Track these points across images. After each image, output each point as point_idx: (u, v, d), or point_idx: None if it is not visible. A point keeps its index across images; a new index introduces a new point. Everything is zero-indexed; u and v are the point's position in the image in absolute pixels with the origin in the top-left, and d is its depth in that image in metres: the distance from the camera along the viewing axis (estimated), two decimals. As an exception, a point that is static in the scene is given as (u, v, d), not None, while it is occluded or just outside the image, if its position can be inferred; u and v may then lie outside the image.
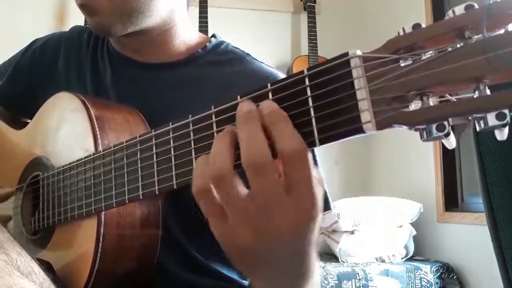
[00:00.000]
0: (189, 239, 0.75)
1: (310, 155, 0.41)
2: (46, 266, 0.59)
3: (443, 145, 0.35)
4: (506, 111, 0.31)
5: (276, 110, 0.41)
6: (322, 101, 0.38)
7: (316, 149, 0.69)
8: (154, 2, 0.72)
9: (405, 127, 0.35)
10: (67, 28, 0.94)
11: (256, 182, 0.41)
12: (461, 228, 2.31)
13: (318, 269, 0.50)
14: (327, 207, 0.71)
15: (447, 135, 0.33)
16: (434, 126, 0.33)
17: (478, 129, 0.33)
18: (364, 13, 3.09)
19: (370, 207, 2.33)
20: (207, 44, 0.81)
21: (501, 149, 0.74)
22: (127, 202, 0.57)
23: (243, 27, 2.85)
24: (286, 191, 0.41)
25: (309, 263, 0.46)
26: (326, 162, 2.72)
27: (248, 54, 0.81)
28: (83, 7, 0.71)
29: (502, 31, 0.32)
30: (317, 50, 2.84)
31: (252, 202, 0.41)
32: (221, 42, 0.83)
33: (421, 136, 0.35)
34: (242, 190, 0.42)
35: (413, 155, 2.58)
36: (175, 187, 0.49)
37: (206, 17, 2.61)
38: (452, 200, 2.42)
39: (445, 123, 0.33)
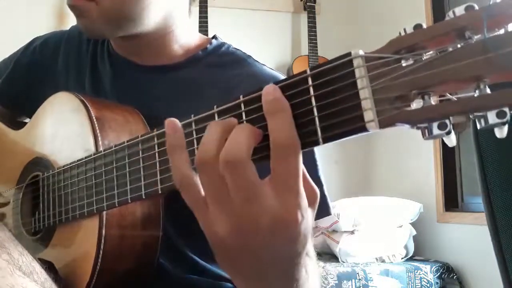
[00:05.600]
0: (186, 240, 0.74)
1: (299, 154, 0.39)
2: (48, 266, 0.59)
3: (443, 145, 0.36)
4: (506, 109, 0.32)
5: (278, 98, 0.40)
6: (325, 101, 0.39)
7: (316, 149, 0.69)
8: (145, 10, 0.71)
9: (407, 126, 0.35)
10: (67, 27, 0.93)
11: (231, 179, 0.40)
12: (461, 228, 2.31)
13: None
14: (326, 212, 0.71)
15: (449, 133, 0.34)
16: (435, 124, 0.34)
17: (478, 127, 0.33)
18: (364, 13, 3.09)
19: (370, 207, 2.33)
20: (208, 46, 0.80)
21: (501, 149, 0.74)
22: (129, 201, 0.57)
23: (243, 27, 2.85)
24: (270, 185, 0.40)
25: (297, 277, 0.44)
26: (326, 162, 2.72)
27: (250, 56, 0.80)
28: (71, 7, 0.71)
29: (502, 31, 0.33)
30: (317, 50, 2.85)
31: (228, 191, 0.40)
32: (222, 44, 0.82)
33: (423, 135, 0.35)
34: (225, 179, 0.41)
35: (413, 155, 2.58)
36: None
37: (206, 17, 2.62)
38: (452, 200, 2.42)
39: (447, 121, 0.34)
